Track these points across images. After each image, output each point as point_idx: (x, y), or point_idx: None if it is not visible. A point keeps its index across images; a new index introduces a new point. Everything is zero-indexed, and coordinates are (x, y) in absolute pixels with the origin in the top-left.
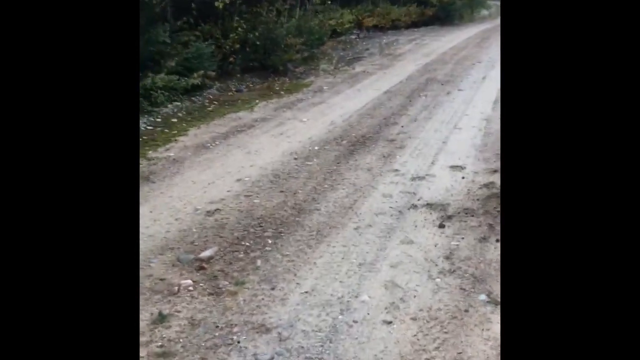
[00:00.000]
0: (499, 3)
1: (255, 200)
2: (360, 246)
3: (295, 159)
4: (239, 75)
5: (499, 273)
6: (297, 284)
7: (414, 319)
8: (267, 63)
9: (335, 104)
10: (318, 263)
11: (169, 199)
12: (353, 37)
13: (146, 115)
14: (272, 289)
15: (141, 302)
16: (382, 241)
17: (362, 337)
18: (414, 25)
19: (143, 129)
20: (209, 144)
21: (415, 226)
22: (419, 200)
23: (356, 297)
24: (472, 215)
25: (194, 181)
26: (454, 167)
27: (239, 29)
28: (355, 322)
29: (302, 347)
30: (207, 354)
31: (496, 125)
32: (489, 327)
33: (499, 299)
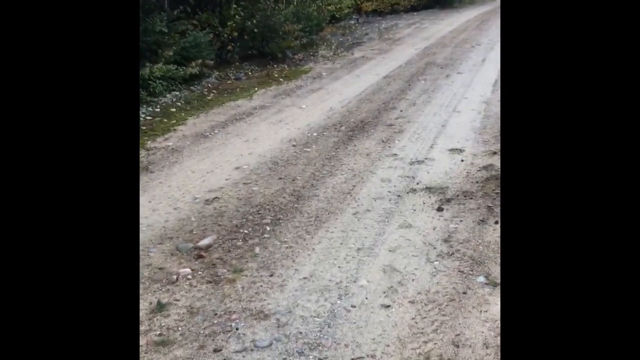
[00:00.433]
0: None
1: (254, 188)
2: (358, 231)
3: (294, 145)
4: (237, 64)
5: (497, 255)
6: (296, 270)
7: (412, 302)
8: (266, 50)
9: (334, 89)
10: (317, 249)
11: (167, 188)
12: (352, 22)
13: (145, 105)
14: (271, 275)
15: (140, 291)
16: (381, 226)
17: (361, 322)
18: (413, 9)
19: (142, 119)
20: (207, 133)
21: (414, 210)
22: (417, 184)
23: (354, 282)
24: (471, 198)
25: (192, 170)
26: (453, 150)
27: (237, 16)
28: (353, 306)
29: (301, 333)
30: (206, 341)
31: (495, 108)
32: (487, 308)
33: (497, 281)
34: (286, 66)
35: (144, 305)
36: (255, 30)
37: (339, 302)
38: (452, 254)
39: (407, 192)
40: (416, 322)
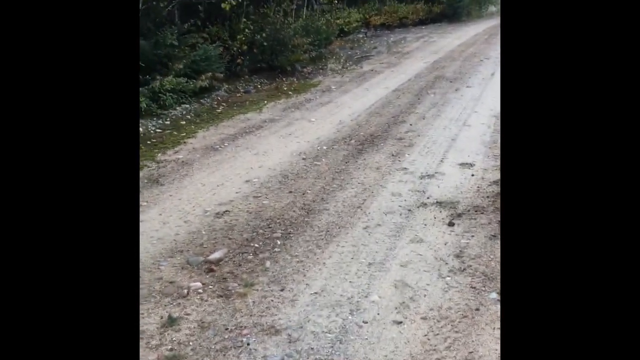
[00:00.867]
0: None
1: (264, 201)
2: (369, 246)
3: (304, 159)
4: (247, 77)
5: None
6: (307, 284)
7: (424, 318)
8: (275, 64)
9: (343, 103)
10: (327, 263)
11: (178, 201)
12: (360, 35)
13: (155, 118)
14: (282, 290)
15: (151, 305)
16: (392, 240)
17: (372, 338)
18: (422, 22)
19: (152, 131)
20: (217, 146)
21: (425, 225)
22: (428, 198)
23: (366, 297)
24: (482, 213)
25: (202, 183)
26: (464, 165)
27: (246, 30)
28: (365, 322)
29: (312, 349)
30: (217, 356)
31: None
32: (500, 326)
33: None
34: (295, 79)
35: (155, 320)
36: (265, 43)
37: (350, 317)
38: (464, 269)
39: (418, 207)
40: (429, 339)
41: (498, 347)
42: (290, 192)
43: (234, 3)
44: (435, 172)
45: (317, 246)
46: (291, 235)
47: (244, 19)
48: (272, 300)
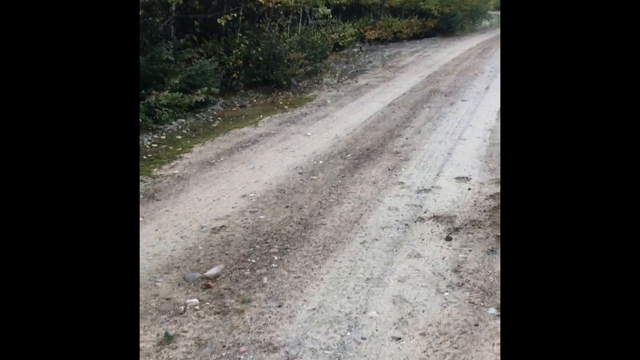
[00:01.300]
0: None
1: (260, 216)
2: (367, 261)
3: (300, 173)
4: (242, 91)
5: None
6: (304, 300)
7: (423, 334)
8: (271, 78)
9: (339, 117)
10: (325, 279)
11: (174, 216)
12: (355, 50)
13: (150, 133)
14: (279, 306)
15: (147, 322)
16: (389, 255)
17: (371, 355)
18: (416, 37)
19: (148, 146)
20: (213, 161)
21: (422, 239)
22: (425, 212)
23: (364, 313)
24: (480, 227)
25: (199, 198)
26: (460, 179)
27: (242, 45)
28: (363, 339)
29: None
30: None
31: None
32: (500, 341)
33: None
34: (291, 93)
35: (151, 337)
36: (260, 58)
37: (348, 334)
38: (462, 284)
39: (415, 221)
40: (428, 356)
41: None
42: (287, 206)
43: (230, 18)
44: (432, 186)
45: (314, 261)
46: (288, 250)
47: (240, 34)
48: (269, 317)
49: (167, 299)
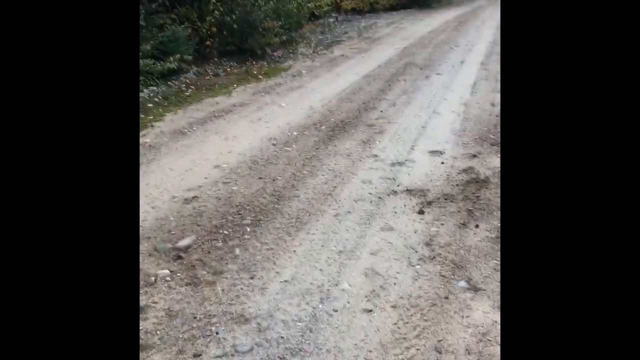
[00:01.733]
0: None
1: (233, 188)
2: (339, 233)
3: (274, 144)
4: (216, 60)
5: (478, 259)
6: (277, 272)
7: (394, 306)
8: (245, 47)
9: (314, 88)
10: (297, 251)
11: (145, 186)
12: (331, 20)
13: None
14: (251, 278)
15: None
16: (362, 228)
17: (343, 326)
18: (392, 8)
19: None
20: (186, 130)
21: (395, 212)
22: (398, 186)
23: (336, 285)
24: (452, 201)
25: (170, 168)
26: (434, 153)
27: (216, 12)
28: (335, 311)
29: (282, 337)
30: (185, 345)
31: (474, 110)
32: (469, 314)
33: (479, 286)
34: (265, 63)
35: None
36: (235, 26)
37: (320, 306)
38: (434, 257)
39: (388, 194)
40: (398, 328)
41: (467, 335)
42: (260, 178)
43: None
44: (406, 160)
45: (287, 233)
46: (261, 222)
47: (214, 0)
48: (241, 289)
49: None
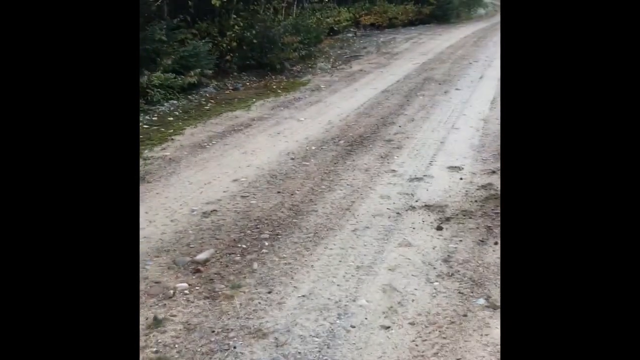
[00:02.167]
0: (495, 2)
1: (252, 201)
2: (357, 249)
3: (293, 159)
4: (235, 74)
5: (497, 277)
6: (294, 287)
7: (412, 323)
8: (264, 61)
9: (332, 103)
10: (315, 266)
11: (164, 199)
12: (350, 35)
13: (142, 114)
14: (269, 292)
15: None
16: (380, 244)
17: (360, 343)
18: (411, 23)
19: (139, 127)
20: (205, 143)
21: (413, 228)
22: (416, 201)
23: (354, 301)
24: (470, 218)
25: (190, 181)
26: (452, 168)
27: (236, 27)
28: (353, 327)
29: (299, 353)
30: (203, 359)
31: (494, 126)
32: (488, 332)
33: (498, 304)
34: (284, 78)
35: (140, 321)
36: (255, 40)
37: (338, 321)
38: (452, 274)
39: (406, 210)
40: (416, 345)
41: (485, 353)
42: (279, 192)
43: None
44: (424, 175)
45: (305, 248)
46: (279, 236)
47: (234, 16)
48: (259, 303)
49: (157, 283)
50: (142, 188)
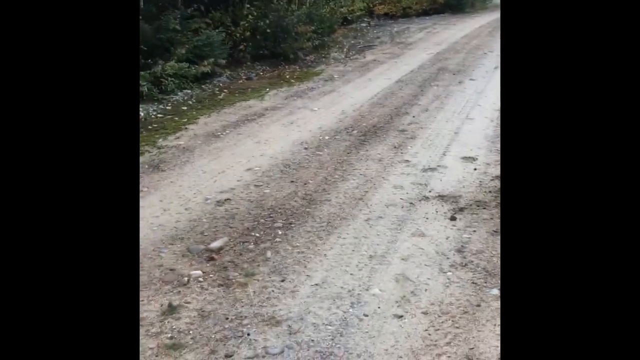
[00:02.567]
0: None
1: (265, 190)
2: (370, 238)
3: (306, 148)
4: (249, 63)
5: None
6: (308, 276)
7: (425, 313)
8: (278, 51)
9: (346, 92)
10: (328, 255)
11: (179, 188)
12: (364, 25)
13: (156, 103)
14: (282, 280)
15: (151, 292)
16: (393, 233)
17: (373, 331)
18: (425, 13)
19: (153, 116)
20: (219, 133)
21: (427, 218)
22: (430, 191)
23: (367, 290)
24: (484, 208)
25: (204, 170)
26: (466, 159)
27: (250, 16)
28: (365, 315)
29: (312, 341)
30: (217, 346)
31: None
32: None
33: None
34: (298, 67)
35: (155, 307)
36: (268, 30)
37: (351, 310)
38: (466, 264)
39: (420, 200)
40: (429, 334)
41: (498, 344)
42: (292, 181)
43: None
44: (438, 165)
45: (318, 237)
46: (292, 225)
47: (248, 5)
48: (272, 291)
49: (171, 270)
50: (157, 176)
